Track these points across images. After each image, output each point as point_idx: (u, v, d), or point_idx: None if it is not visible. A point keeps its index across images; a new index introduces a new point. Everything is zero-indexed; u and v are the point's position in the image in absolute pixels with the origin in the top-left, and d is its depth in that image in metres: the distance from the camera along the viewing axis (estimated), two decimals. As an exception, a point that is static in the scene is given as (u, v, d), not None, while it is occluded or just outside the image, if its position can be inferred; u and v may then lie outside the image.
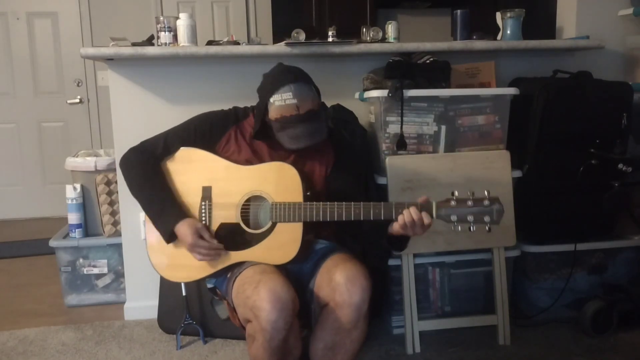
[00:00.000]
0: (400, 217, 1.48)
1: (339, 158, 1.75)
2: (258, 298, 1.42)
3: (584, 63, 2.52)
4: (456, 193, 1.49)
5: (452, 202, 1.48)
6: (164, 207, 1.63)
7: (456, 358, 2.11)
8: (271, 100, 1.59)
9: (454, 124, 2.19)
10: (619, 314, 2.21)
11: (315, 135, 1.61)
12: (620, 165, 2.17)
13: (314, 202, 1.55)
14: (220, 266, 1.63)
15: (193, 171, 1.68)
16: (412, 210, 1.47)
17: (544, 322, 2.32)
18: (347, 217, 1.53)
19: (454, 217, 1.48)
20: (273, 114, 1.59)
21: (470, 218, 1.47)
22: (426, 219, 1.47)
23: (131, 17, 4.23)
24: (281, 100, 1.57)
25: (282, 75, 1.61)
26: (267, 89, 1.61)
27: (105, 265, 2.62)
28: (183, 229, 1.59)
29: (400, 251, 2.05)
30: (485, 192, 1.49)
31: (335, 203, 1.53)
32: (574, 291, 2.35)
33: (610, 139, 2.24)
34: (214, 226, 1.65)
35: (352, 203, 1.53)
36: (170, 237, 1.62)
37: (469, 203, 1.47)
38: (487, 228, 1.48)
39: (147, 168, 1.67)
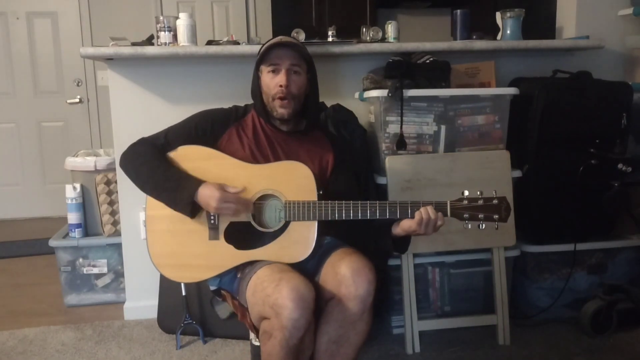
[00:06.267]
0: (417, 214, 1.53)
1: (338, 158, 1.76)
2: (280, 296, 1.41)
3: (584, 63, 2.52)
4: (466, 193, 1.57)
5: (465, 201, 1.56)
6: (181, 180, 1.59)
7: (456, 358, 2.11)
8: (262, 50, 1.69)
9: (454, 123, 2.19)
10: (618, 314, 2.21)
11: (292, 46, 1.66)
12: (620, 165, 2.17)
13: (329, 201, 1.56)
14: (230, 265, 1.62)
15: (198, 169, 1.65)
16: (430, 209, 1.53)
17: (544, 322, 2.32)
18: (362, 215, 1.55)
19: (466, 215, 1.56)
20: (261, 55, 1.68)
21: (480, 216, 1.56)
22: (440, 221, 1.54)
23: (131, 17, 4.23)
24: (268, 42, 1.71)
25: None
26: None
27: (105, 265, 2.62)
28: (206, 190, 1.55)
29: (402, 253, 2.06)
30: (494, 192, 1.58)
31: (351, 202, 1.55)
32: (574, 291, 2.35)
33: (610, 139, 2.24)
34: (223, 225, 1.63)
35: (368, 202, 1.56)
36: (193, 207, 1.57)
37: (480, 202, 1.56)
38: (495, 226, 1.57)
39: (153, 153, 1.65)
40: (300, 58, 1.68)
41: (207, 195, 1.55)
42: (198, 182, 1.58)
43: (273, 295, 1.43)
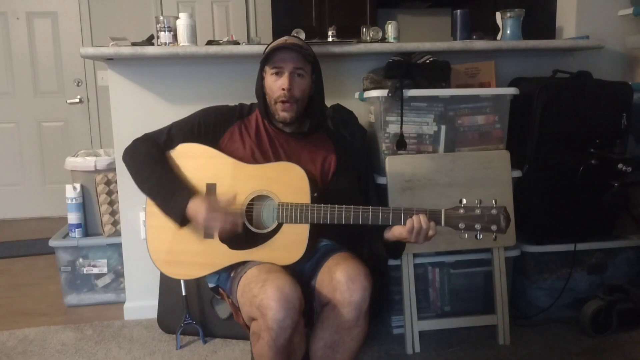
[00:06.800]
0: (409, 221, 1.49)
1: (341, 160, 1.75)
2: (265, 297, 1.41)
3: (584, 63, 2.52)
4: (464, 201, 1.51)
5: (461, 210, 1.50)
6: (175, 190, 1.59)
7: (456, 358, 2.11)
8: (267, 51, 1.68)
9: (454, 123, 2.19)
10: (618, 314, 2.21)
11: (297, 49, 1.64)
12: (620, 165, 2.17)
13: (322, 204, 1.55)
14: (223, 264, 1.62)
15: (197, 167, 1.66)
16: (422, 217, 1.49)
17: (544, 322, 2.32)
18: (355, 220, 1.53)
19: (461, 225, 1.49)
20: (265, 56, 1.66)
21: (477, 226, 1.49)
22: (432, 231, 1.49)
23: (131, 17, 4.23)
24: (273, 44, 1.69)
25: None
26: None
27: (105, 265, 2.62)
28: (195, 204, 1.55)
29: (396, 258, 2.06)
30: (493, 201, 1.51)
31: (344, 206, 1.53)
32: (574, 291, 2.36)
33: (610, 139, 2.24)
34: None
35: (361, 207, 1.53)
36: (183, 219, 1.58)
37: (477, 211, 1.49)
38: (493, 237, 1.50)
39: (153, 154, 1.65)
40: (304, 61, 1.66)
41: (195, 210, 1.55)
42: (189, 196, 1.57)
43: (259, 296, 1.43)
